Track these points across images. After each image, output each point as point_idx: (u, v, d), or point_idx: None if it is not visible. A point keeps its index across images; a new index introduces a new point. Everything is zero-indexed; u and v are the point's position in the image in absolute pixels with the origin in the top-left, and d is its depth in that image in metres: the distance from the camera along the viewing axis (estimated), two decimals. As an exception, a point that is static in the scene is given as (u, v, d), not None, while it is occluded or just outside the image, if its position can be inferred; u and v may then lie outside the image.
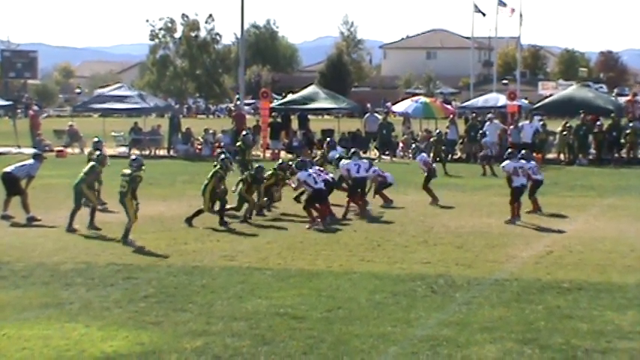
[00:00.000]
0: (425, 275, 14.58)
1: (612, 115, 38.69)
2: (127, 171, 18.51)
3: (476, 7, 74.24)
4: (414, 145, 26.04)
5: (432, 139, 32.53)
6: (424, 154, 24.62)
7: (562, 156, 38.23)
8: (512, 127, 38.43)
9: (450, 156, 39.13)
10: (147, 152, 41.49)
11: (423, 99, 45.06)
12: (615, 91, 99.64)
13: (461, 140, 40.18)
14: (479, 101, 47.28)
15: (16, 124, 47.22)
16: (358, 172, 21.90)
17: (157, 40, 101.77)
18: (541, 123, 39.40)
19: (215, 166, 20.68)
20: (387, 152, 39.77)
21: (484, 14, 75.11)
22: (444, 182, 28.44)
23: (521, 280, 14.21)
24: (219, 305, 12.63)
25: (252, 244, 17.67)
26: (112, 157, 38.66)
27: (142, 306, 12.59)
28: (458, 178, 30.83)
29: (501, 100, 44.76)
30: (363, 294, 13.30)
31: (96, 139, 24.44)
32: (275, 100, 50.49)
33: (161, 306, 12.60)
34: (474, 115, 41.29)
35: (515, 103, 41.30)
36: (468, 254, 16.55)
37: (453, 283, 14.02)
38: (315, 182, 20.37)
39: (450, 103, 61.60)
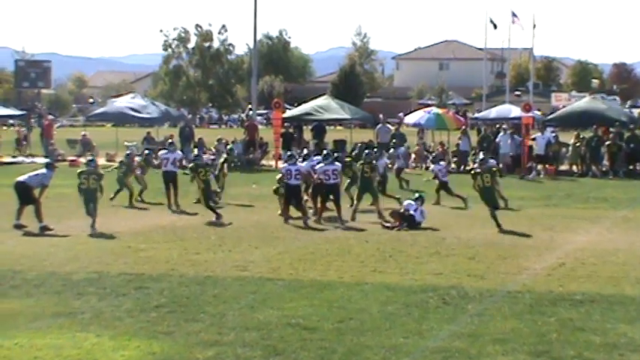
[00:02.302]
0: (437, 286, 14.54)
1: (631, 126, 38.68)
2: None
3: (490, 19, 74.25)
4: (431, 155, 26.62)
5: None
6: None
7: (575, 167, 38.14)
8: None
9: (462, 167, 39.09)
10: (158, 161, 41.52)
11: (435, 110, 45.01)
12: (629, 102, 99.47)
13: (473, 152, 40.09)
14: (491, 112, 47.22)
15: (29, 133, 47.40)
16: (290, 179, 22.37)
17: (170, 51, 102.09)
18: (554, 135, 39.34)
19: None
20: (399, 163, 39.66)
21: (495, 26, 75.08)
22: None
23: (533, 292, 14.16)
24: (230, 315, 12.63)
25: (264, 254, 17.66)
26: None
27: (154, 316, 12.60)
28: (470, 189, 30.72)
29: (514, 111, 44.67)
30: (375, 305, 13.27)
31: (195, 153, 26.67)
32: (287, 111, 50.53)
33: (173, 316, 12.59)
34: (486, 126, 41.21)
35: (529, 114, 41.21)
36: (480, 265, 16.50)
37: (465, 295, 13.98)
38: (290, 177, 22.18)
39: (465, 115, 61.47)
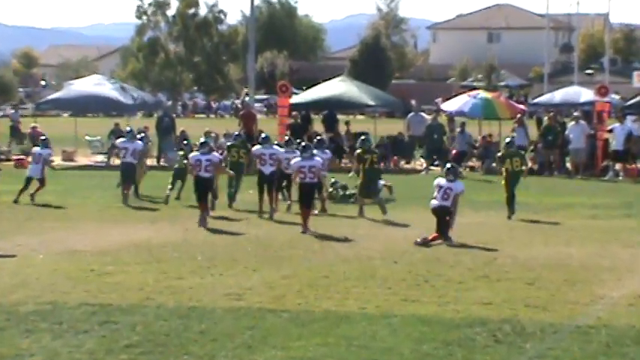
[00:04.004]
0: (486, 320, 14.54)
1: None
2: None
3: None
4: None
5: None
6: None
7: (663, 167, 38.05)
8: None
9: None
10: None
11: (482, 94, 44.96)
12: None
13: (532, 147, 40.05)
14: (555, 96, 47.16)
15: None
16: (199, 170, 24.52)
17: (144, 19, 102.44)
18: (636, 125, 39.24)
19: None
20: (436, 162, 39.70)
21: None
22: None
23: (610, 327, 14.14)
24: (222, 357, 12.65)
25: (265, 278, 17.67)
26: (87, 167, 39.06)
27: (124, 358, 12.62)
28: (528, 194, 30.71)
29: (584, 94, 44.59)
30: (407, 343, 13.28)
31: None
32: (294, 96, 50.57)
33: (148, 358, 12.62)
34: (551, 114, 41.13)
35: (605, 99, 41.18)
36: (542, 293, 16.48)
37: (522, 331, 13.97)
38: (199, 169, 24.21)
39: (523, 100, 61.32)
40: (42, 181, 28.35)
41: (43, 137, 30.40)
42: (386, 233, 22.93)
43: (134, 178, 28.66)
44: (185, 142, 31.27)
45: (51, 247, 20.81)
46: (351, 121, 48.36)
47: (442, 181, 22.03)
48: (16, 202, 27.56)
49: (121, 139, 29.54)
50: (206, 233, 23.05)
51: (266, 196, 25.82)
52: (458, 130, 40.80)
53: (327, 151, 27.48)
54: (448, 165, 22.96)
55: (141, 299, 15.97)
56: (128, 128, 31.30)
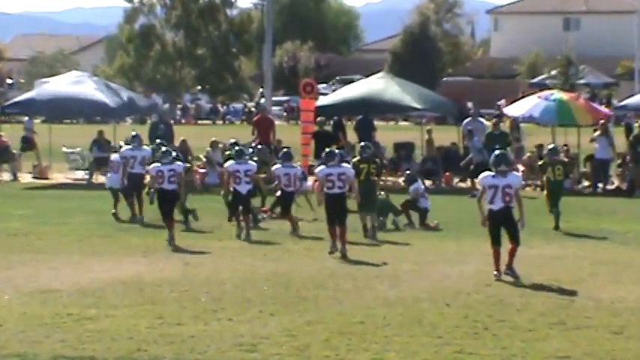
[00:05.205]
0: (562, 377, 14.50)
1: None
2: None
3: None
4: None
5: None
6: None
7: None
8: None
9: (602, 185, 38.83)
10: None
11: (557, 95, 44.81)
12: None
13: (620, 160, 39.89)
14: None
15: None
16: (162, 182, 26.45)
17: (135, 2, 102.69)
18: None
19: None
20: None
21: None
22: (590, 227, 28.26)
23: None
24: (231, 423, 12.66)
25: (284, 325, 17.66)
26: (64, 186, 39.17)
27: (109, 423, 12.65)
28: (614, 220, 30.61)
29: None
30: (462, 407, 13.26)
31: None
32: (321, 97, 50.54)
33: None
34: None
35: None
36: (632, 344, 16.42)
37: (608, 391, 13.93)
38: (162, 181, 26.30)
39: (607, 102, 60.99)
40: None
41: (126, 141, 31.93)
42: (436, 269, 22.85)
43: (142, 189, 29.69)
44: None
45: (19, 285, 20.84)
46: (392, 128, 48.31)
47: (493, 178, 21.68)
48: (115, 216, 30.12)
49: (126, 147, 30.68)
50: (211, 268, 23.02)
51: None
52: (471, 142, 39.96)
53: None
54: (497, 152, 22.45)
55: (131, 351, 15.99)
56: (133, 133, 31.57)
